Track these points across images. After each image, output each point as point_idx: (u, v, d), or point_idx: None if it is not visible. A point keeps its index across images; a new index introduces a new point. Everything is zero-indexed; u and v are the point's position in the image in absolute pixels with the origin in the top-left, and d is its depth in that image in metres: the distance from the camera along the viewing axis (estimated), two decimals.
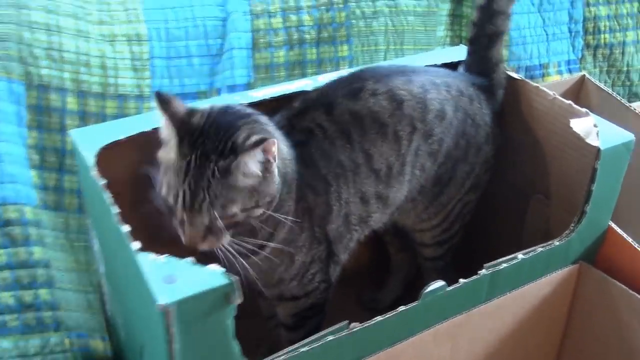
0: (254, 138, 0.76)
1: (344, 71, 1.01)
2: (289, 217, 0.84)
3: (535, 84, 1.06)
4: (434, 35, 1.36)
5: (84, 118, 1.10)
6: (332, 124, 0.90)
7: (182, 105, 0.80)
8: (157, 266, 0.67)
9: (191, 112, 0.80)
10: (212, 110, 0.80)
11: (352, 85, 0.93)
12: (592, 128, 0.94)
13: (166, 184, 0.78)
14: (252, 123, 0.80)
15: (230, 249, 0.79)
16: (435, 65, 1.09)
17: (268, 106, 0.95)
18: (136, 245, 0.69)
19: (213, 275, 0.66)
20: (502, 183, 1.16)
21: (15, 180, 1.01)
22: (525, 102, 1.08)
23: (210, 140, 0.77)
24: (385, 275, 1.27)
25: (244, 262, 0.80)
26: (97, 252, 0.96)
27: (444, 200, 1.04)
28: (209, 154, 0.76)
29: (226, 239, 0.78)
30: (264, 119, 0.83)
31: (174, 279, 0.65)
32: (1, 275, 0.97)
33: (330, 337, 0.78)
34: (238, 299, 0.67)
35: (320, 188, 0.89)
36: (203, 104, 0.84)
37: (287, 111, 0.92)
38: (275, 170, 0.80)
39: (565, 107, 1.01)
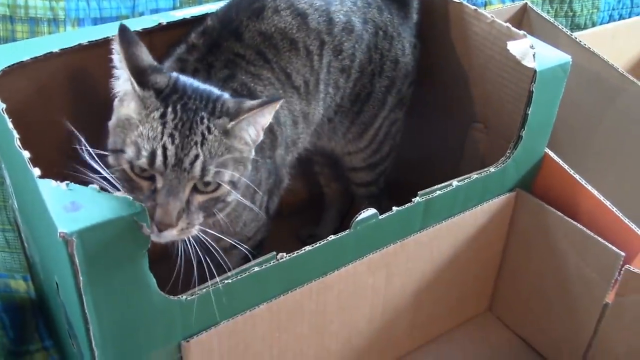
0: (260, 100, 0.70)
1: (210, 6, 0.91)
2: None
3: (473, 7, 1.02)
4: None
5: None
6: (247, 48, 0.84)
7: (147, 55, 0.70)
8: (60, 193, 0.61)
9: (155, 68, 0.69)
10: (180, 76, 0.71)
11: (253, 6, 0.86)
12: (528, 50, 0.91)
13: (131, 141, 0.66)
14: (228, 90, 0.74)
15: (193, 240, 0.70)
16: None
17: (186, 28, 0.89)
18: (37, 171, 0.63)
19: (121, 202, 0.61)
20: (440, 111, 1.13)
21: None
22: (463, 26, 1.04)
23: (192, 99, 0.68)
24: (321, 211, 1.24)
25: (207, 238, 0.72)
26: (9, 186, 0.89)
27: (365, 119, 1.01)
28: (196, 110, 0.67)
29: (197, 225, 0.69)
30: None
31: (77, 207, 0.60)
32: None
33: (257, 268, 0.75)
34: (149, 230, 0.62)
35: None
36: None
37: (195, 51, 0.83)
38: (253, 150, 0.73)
39: (503, 30, 0.97)
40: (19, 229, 0.97)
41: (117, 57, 0.69)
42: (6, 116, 0.70)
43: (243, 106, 0.69)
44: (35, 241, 0.83)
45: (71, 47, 0.82)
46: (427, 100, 1.11)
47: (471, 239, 0.99)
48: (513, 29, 0.95)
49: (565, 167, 0.98)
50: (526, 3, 1.32)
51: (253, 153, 0.73)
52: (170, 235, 0.66)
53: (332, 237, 0.80)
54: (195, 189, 0.67)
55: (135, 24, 0.87)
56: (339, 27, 0.91)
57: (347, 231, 0.81)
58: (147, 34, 0.88)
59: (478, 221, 0.98)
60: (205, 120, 0.67)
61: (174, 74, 0.72)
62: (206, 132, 0.67)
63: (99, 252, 0.60)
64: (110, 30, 0.84)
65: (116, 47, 0.68)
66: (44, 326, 1.00)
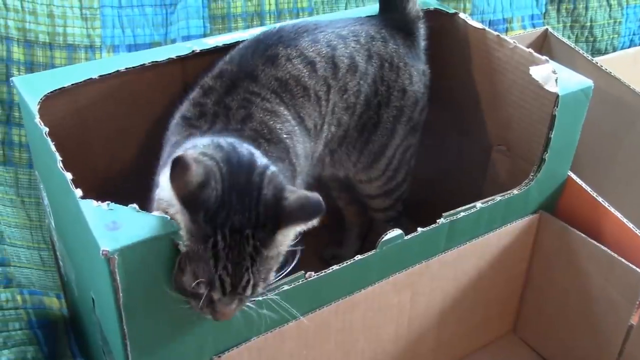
0: (299, 202, 0.70)
1: (240, 34, 0.95)
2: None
3: (496, 33, 1.05)
4: None
5: (32, 69, 1.05)
6: (263, 88, 0.86)
7: (196, 175, 0.66)
8: (101, 213, 0.64)
9: (203, 184, 0.66)
10: (222, 174, 0.69)
11: (266, 53, 0.88)
12: (551, 75, 0.93)
13: (191, 273, 0.66)
14: (264, 170, 0.72)
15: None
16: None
17: (219, 55, 0.92)
18: (79, 192, 0.67)
19: (159, 222, 0.64)
20: (462, 134, 1.15)
21: None
22: (486, 52, 1.06)
23: (237, 214, 0.67)
24: (344, 232, 1.26)
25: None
26: (47, 206, 0.92)
27: (375, 149, 1.02)
28: (242, 229, 0.67)
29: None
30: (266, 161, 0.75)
31: (118, 226, 0.63)
32: None
33: (286, 287, 0.77)
34: (184, 247, 0.64)
35: (284, 153, 0.85)
36: None
37: (212, 94, 0.84)
38: None
39: (525, 55, 0.99)
40: (54, 247, 1.00)
41: (172, 193, 0.65)
42: (49, 139, 0.74)
43: (283, 215, 0.69)
44: (72, 259, 0.87)
45: (109, 74, 0.86)
46: (450, 123, 1.14)
47: (495, 260, 1.00)
48: (535, 54, 0.98)
49: (588, 189, 0.99)
50: (547, 29, 1.34)
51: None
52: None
53: (359, 256, 0.82)
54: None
55: (169, 52, 0.91)
56: (343, 70, 0.93)
57: (373, 251, 0.83)
58: (181, 61, 0.92)
59: (501, 242, 0.99)
60: (251, 240, 0.68)
61: (214, 166, 0.69)
62: (254, 254, 0.68)
63: (138, 269, 0.63)
64: (145, 57, 0.89)
65: (169, 184, 0.65)
66: (75, 343, 1.03)
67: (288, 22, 0.93)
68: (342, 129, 0.97)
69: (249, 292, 0.69)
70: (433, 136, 1.11)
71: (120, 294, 0.63)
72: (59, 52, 1.07)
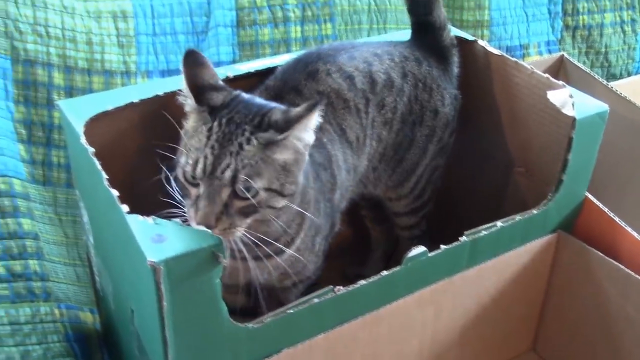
0: (305, 105, 0.75)
1: (271, 60, 1.01)
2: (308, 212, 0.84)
3: (514, 59, 1.09)
4: None
5: (71, 93, 1.11)
6: (306, 101, 0.91)
7: (211, 76, 0.79)
8: (146, 227, 0.69)
9: (216, 87, 0.78)
10: (239, 93, 0.79)
11: (308, 69, 0.94)
12: (568, 99, 0.97)
13: (185, 152, 0.74)
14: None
15: (242, 245, 0.75)
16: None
17: (252, 80, 0.97)
18: (125, 208, 0.71)
19: (201, 235, 0.68)
20: (483, 157, 1.19)
21: (3, 153, 1.02)
22: (505, 77, 1.11)
23: (240, 115, 0.75)
24: (367, 251, 1.30)
25: (269, 264, 0.80)
26: (86, 224, 0.97)
27: (407, 167, 1.07)
28: (239, 124, 0.74)
29: (240, 227, 0.74)
30: None
31: (163, 238, 0.67)
32: None
33: (316, 300, 0.80)
34: (225, 260, 0.68)
35: (326, 162, 0.90)
36: None
37: None
38: (307, 153, 0.77)
39: (542, 80, 1.03)
40: (90, 264, 1.04)
41: (183, 77, 0.78)
42: (95, 159, 0.78)
43: (291, 116, 0.75)
44: (110, 274, 0.91)
45: (148, 98, 0.91)
46: (470, 144, 1.18)
47: (515, 278, 1.03)
48: (552, 79, 1.02)
49: (605, 209, 1.02)
50: (563, 54, 1.39)
51: (307, 157, 0.79)
52: (214, 230, 0.71)
53: (385, 272, 0.85)
54: (235, 195, 0.73)
55: None
56: (380, 85, 0.98)
57: (398, 267, 0.86)
58: None
59: (521, 261, 1.02)
60: (247, 133, 0.74)
61: (236, 92, 0.79)
62: (244, 143, 0.73)
63: (181, 279, 0.67)
64: (179, 82, 0.93)
65: (181, 68, 0.78)
66: (108, 357, 1.07)
67: (326, 44, 0.98)
68: (382, 145, 1.01)
69: (226, 178, 0.71)
70: (454, 157, 1.15)
71: (164, 303, 0.67)
72: (97, 78, 1.13)
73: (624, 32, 1.52)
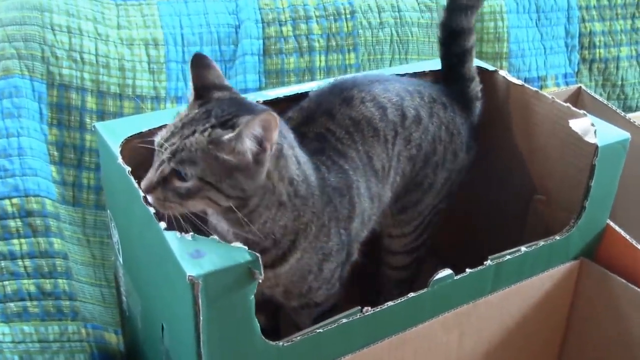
0: (253, 115, 0.77)
1: (298, 87, 1.05)
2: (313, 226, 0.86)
3: (534, 89, 1.11)
4: (437, 47, 1.41)
5: (103, 117, 1.14)
6: (338, 127, 0.94)
7: (217, 77, 0.84)
8: (185, 243, 0.70)
9: (219, 87, 0.83)
10: (238, 94, 0.84)
11: (343, 94, 0.97)
12: (590, 127, 0.99)
13: (162, 129, 0.80)
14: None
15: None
16: (407, 74, 1.13)
17: (279, 106, 1.00)
18: (163, 225, 0.73)
19: (238, 252, 0.70)
20: (503, 185, 1.20)
21: (36, 174, 1.05)
22: (525, 106, 1.13)
23: (220, 109, 0.79)
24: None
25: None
26: (116, 244, 0.99)
27: (421, 208, 1.08)
28: (210, 116, 0.78)
29: (176, 205, 0.76)
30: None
31: (201, 254, 0.69)
32: (23, 263, 1.00)
33: (345, 320, 0.81)
34: (261, 276, 0.70)
35: (344, 188, 0.91)
36: None
37: (290, 122, 0.94)
38: (265, 166, 0.78)
39: (563, 109, 1.05)
40: (117, 284, 1.06)
41: (190, 77, 0.84)
42: (132, 178, 0.81)
43: (240, 121, 0.77)
44: (140, 292, 0.92)
45: None
46: (490, 172, 1.19)
47: (538, 304, 1.04)
48: (573, 108, 1.04)
49: (627, 236, 1.03)
50: (580, 86, 1.41)
51: (262, 178, 0.79)
52: (151, 197, 0.76)
53: (412, 294, 0.87)
54: (176, 174, 0.76)
55: None
56: (410, 120, 1.00)
57: (424, 289, 0.87)
58: None
59: (544, 287, 1.03)
60: (206, 125, 0.77)
61: (234, 92, 0.84)
62: (197, 133, 0.77)
63: (218, 295, 0.69)
64: None
65: (189, 69, 0.83)
66: None
67: (361, 73, 1.01)
68: (404, 181, 1.02)
69: (166, 154, 0.75)
70: (474, 184, 1.17)
71: (201, 318, 0.69)
72: (127, 102, 1.16)
73: (639, 65, 1.55)
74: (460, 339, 0.97)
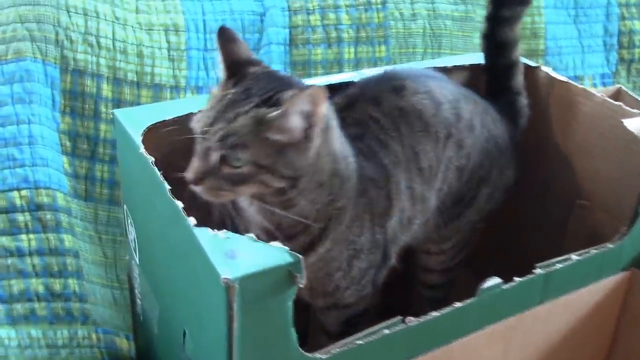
0: (299, 88, 0.72)
1: (369, 70, 0.98)
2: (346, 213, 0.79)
3: (581, 86, 1.04)
4: (471, 41, 1.34)
5: (119, 105, 1.06)
6: (383, 115, 0.87)
7: (245, 50, 0.78)
8: (218, 241, 0.63)
9: (251, 61, 0.77)
10: (271, 68, 0.77)
11: (392, 83, 0.90)
12: None
13: (199, 114, 0.74)
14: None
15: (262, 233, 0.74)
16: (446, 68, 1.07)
17: None
18: (193, 220, 0.65)
19: (277, 253, 0.62)
20: (542, 191, 1.13)
21: (47, 164, 0.97)
22: (570, 105, 1.05)
23: (258, 87, 0.72)
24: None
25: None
26: (132, 241, 0.91)
27: (461, 224, 1.00)
28: (251, 95, 0.72)
29: (229, 192, 0.71)
30: None
31: (235, 255, 0.61)
32: (31, 260, 0.92)
33: (386, 331, 0.74)
34: (303, 280, 0.62)
35: (381, 180, 0.84)
36: None
37: (333, 106, 0.88)
38: (316, 142, 0.73)
39: (615, 108, 0.98)
40: (131, 285, 0.98)
41: (218, 52, 0.77)
42: (156, 169, 0.73)
43: (282, 97, 0.71)
44: (159, 294, 0.85)
45: None
46: (530, 175, 1.12)
47: (586, 317, 0.96)
48: (626, 107, 0.97)
49: None
50: (620, 87, 1.33)
51: (312, 153, 0.73)
52: (200, 191, 0.71)
53: (458, 304, 0.79)
54: (225, 161, 0.70)
55: None
56: (463, 124, 0.93)
57: (471, 299, 0.80)
58: None
59: (594, 299, 0.95)
60: (250, 105, 0.71)
61: (268, 67, 0.78)
62: (241, 114, 0.70)
63: (255, 300, 0.61)
64: None
65: (216, 44, 0.77)
66: None
67: (406, 65, 0.95)
68: (448, 193, 0.94)
69: (215, 138, 0.69)
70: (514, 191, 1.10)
71: (235, 325, 0.61)
72: (145, 91, 1.09)
73: None
74: (505, 354, 0.90)
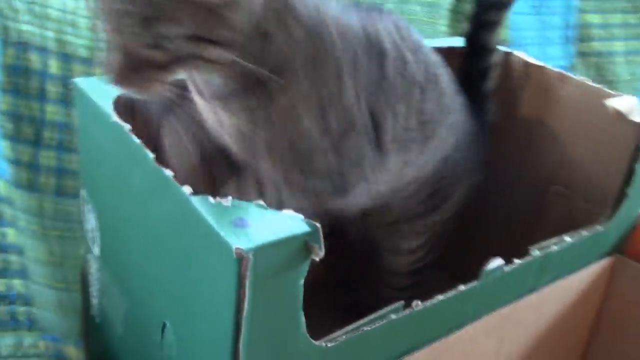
0: None
1: None
2: None
3: (557, 70, 1.03)
4: (438, 28, 1.32)
5: (67, 85, 0.95)
6: None
7: None
8: (223, 209, 0.54)
9: None
10: None
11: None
12: (634, 106, 0.90)
13: None
14: None
15: None
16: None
17: None
18: (187, 189, 0.57)
19: (292, 221, 0.54)
20: (514, 177, 1.10)
21: None
22: (547, 90, 1.04)
23: None
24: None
25: None
26: (90, 231, 0.81)
27: (436, 218, 0.95)
28: None
29: (162, 79, 0.59)
30: None
31: (246, 223, 0.53)
32: None
33: (393, 316, 0.67)
34: (321, 251, 0.55)
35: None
36: None
37: None
38: None
39: (594, 90, 0.97)
40: (84, 285, 0.87)
41: None
42: (135, 137, 0.64)
43: None
44: (128, 288, 0.74)
45: None
46: (501, 164, 1.09)
47: (572, 304, 0.93)
48: (607, 90, 0.95)
49: None
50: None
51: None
52: (129, 89, 0.61)
53: (462, 287, 0.73)
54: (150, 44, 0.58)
55: None
56: (448, 98, 0.89)
57: (475, 282, 0.74)
58: None
59: (581, 285, 0.93)
60: None
61: None
62: None
63: (268, 276, 0.53)
64: None
65: None
66: None
67: None
68: (427, 183, 0.89)
69: (130, 19, 0.54)
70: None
71: (245, 306, 0.52)
72: (99, 69, 0.97)
73: (633, 62, 1.50)
74: (499, 346, 0.85)
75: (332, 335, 0.63)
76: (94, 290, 0.85)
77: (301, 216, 0.55)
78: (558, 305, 0.91)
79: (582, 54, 1.44)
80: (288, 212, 0.55)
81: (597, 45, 1.44)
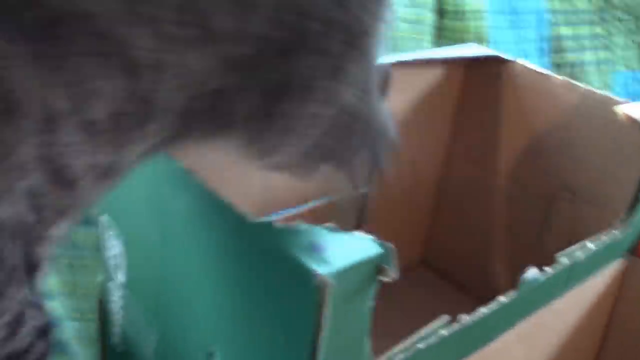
0: None
1: None
2: None
3: (562, 78, 1.04)
4: (421, 45, 1.32)
5: None
6: None
7: None
8: (293, 232, 0.53)
9: None
10: None
11: None
12: None
13: None
14: None
15: None
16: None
17: None
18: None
19: (364, 242, 0.53)
20: (519, 183, 1.11)
21: None
22: (552, 98, 1.05)
23: None
24: None
25: None
26: (112, 258, 0.77)
27: None
28: None
29: None
30: None
31: (321, 247, 0.51)
32: None
33: (444, 332, 0.66)
34: (394, 275, 0.53)
35: None
36: None
37: None
38: None
39: (601, 99, 0.99)
40: (103, 314, 0.83)
41: None
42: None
43: None
44: (163, 316, 0.71)
45: None
46: (505, 174, 1.10)
47: (589, 308, 0.94)
48: (615, 97, 0.97)
49: None
50: None
51: None
52: None
53: (502, 299, 0.73)
54: None
55: None
56: None
57: (514, 293, 0.74)
58: None
59: (597, 288, 0.94)
60: None
61: None
62: None
63: (344, 301, 0.51)
64: None
65: None
66: None
67: None
68: None
69: None
70: (485, 188, 1.07)
71: (323, 333, 0.51)
72: None
73: (603, 71, 1.54)
74: (528, 352, 0.85)
75: (389, 354, 0.62)
76: (115, 319, 0.81)
77: (372, 237, 0.53)
78: (578, 309, 0.92)
79: (557, 65, 1.47)
80: (359, 234, 0.54)
81: (569, 57, 1.48)
